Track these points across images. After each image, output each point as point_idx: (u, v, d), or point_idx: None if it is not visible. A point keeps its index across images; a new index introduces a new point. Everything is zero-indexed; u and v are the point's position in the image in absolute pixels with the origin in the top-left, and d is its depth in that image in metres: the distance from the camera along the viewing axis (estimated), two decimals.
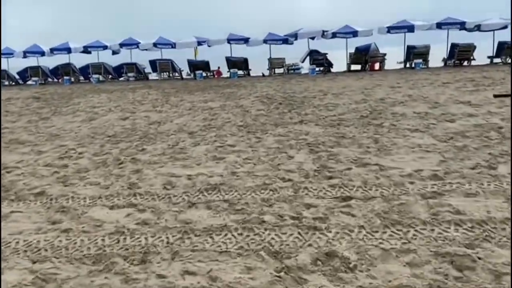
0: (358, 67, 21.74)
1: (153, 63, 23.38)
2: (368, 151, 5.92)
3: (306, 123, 8.17)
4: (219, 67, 26.11)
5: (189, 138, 7.43)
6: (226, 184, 4.79)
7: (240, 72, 22.87)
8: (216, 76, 25.00)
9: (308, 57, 22.13)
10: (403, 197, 4.14)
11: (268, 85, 16.37)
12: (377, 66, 21.66)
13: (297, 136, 7.12)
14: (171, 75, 23.67)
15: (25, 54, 24.17)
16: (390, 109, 9.23)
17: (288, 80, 18.52)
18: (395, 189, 4.38)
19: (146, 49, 24.18)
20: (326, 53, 21.70)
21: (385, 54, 21.61)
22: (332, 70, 22.50)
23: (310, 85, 15.59)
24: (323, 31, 22.05)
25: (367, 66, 21.34)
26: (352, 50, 22.03)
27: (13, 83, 24.51)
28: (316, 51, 22.26)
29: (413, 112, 8.63)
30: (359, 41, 22.21)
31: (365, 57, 21.31)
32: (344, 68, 22.31)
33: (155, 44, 23.46)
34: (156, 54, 24.64)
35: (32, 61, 25.12)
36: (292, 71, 25.06)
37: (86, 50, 24.14)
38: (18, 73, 24.39)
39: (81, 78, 24.86)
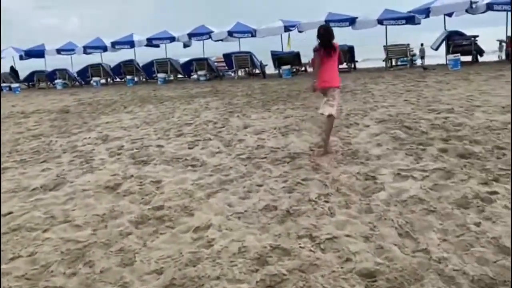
0: None
1: (228, 57, 18.25)
2: None
3: None
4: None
5: None
6: None
7: (343, 66, 16.83)
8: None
9: (444, 42, 15.27)
10: None
11: (391, 91, 10.19)
12: None
13: None
14: (250, 72, 18.43)
15: (86, 49, 20.78)
16: None
17: (420, 78, 12.07)
18: None
19: (220, 40, 19.15)
20: (476, 36, 14.65)
21: None
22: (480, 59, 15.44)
23: (467, 88, 9.15)
24: (471, 2, 14.62)
25: None
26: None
27: (76, 84, 21.37)
28: (458, 33, 15.30)
29: None
30: None
31: None
32: (491, 57, 15.14)
33: (230, 33, 18.32)
34: (233, 46, 19.51)
35: (96, 58, 21.80)
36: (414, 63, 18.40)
37: (150, 43, 19.94)
38: (78, 73, 21.11)
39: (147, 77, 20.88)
